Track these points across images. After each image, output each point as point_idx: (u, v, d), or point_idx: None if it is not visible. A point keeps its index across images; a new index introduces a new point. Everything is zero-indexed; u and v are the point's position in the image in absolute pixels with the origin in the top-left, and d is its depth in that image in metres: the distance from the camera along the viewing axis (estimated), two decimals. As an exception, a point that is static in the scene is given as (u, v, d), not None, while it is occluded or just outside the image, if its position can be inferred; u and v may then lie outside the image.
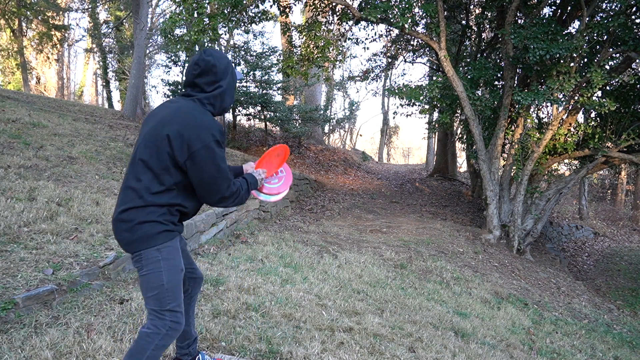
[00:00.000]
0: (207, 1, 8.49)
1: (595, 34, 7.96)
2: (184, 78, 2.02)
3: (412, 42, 14.68)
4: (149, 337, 1.86)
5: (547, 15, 9.42)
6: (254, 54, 13.06)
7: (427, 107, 11.56)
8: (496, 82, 9.67)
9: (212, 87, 1.96)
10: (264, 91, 12.96)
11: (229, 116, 14.18)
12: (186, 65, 13.50)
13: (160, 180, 1.85)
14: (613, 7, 8.75)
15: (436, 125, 15.16)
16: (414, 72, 56.74)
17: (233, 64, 1.95)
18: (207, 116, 1.91)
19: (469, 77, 9.03)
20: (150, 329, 1.87)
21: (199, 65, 1.93)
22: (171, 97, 13.26)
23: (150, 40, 19.54)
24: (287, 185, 2.17)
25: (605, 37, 7.84)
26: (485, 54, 12.00)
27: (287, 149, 2.22)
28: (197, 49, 12.37)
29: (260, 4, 9.58)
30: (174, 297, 1.90)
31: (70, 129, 8.10)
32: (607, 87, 8.69)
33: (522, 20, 9.08)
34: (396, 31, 12.73)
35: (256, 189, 2.14)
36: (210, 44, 9.71)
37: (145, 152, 1.86)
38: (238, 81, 12.59)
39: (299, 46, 10.29)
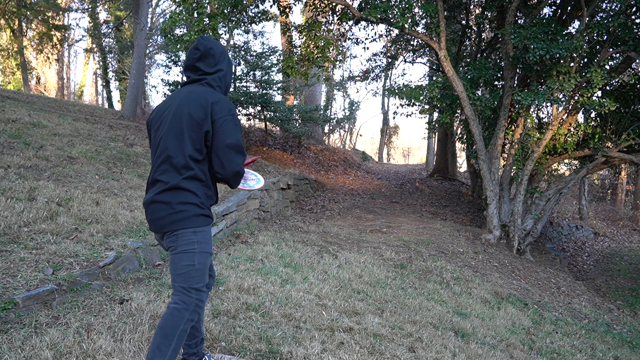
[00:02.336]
0: (207, 1, 8.49)
1: (595, 34, 7.95)
2: (185, 64, 2.10)
3: (412, 42, 14.68)
4: (180, 312, 1.95)
5: (547, 15, 9.42)
6: (254, 54, 13.04)
7: (427, 107, 11.56)
8: (496, 82, 9.67)
9: (213, 69, 2.08)
10: (264, 91, 12.94)
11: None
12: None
13: (191, 165, 1.96)
14: (613, 7, 8.75)
15: (436, 125, 15.16)
16: (414, 72, 56.87)
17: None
18: (221, 95, 2.03)
19: (469, 77, 9.02)
20: (179, 304, 1.96)
21: (199, 49, 2.06)
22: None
23: (150, 40, 19.53)
24: (260, 185, 2.43)
25: (605, 37, 7.83)
26: (485, 54, 12.00)
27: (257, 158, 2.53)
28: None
29: (260, 4, 9.60)
30: (201, 278, 2.01)
31: (70, 129, 8.10)
32: (607, 87, 8.69)
33: (522, 20, 9.08)
34: (396, 31, 12.73)
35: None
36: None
37: (173, 139, 1.97)
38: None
39: (299, 46, 10.29)
